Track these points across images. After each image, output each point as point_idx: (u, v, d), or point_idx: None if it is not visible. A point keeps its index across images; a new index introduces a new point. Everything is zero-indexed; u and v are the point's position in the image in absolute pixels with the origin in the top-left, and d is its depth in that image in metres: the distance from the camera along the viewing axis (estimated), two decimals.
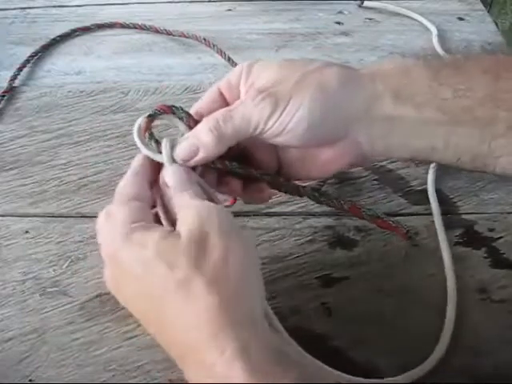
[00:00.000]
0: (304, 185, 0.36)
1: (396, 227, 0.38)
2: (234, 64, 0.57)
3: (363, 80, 0.32)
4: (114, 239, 0.29)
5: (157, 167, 0.33)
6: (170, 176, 0.32)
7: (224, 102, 0.35)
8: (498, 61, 0.31)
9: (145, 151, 0.33)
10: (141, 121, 0.33)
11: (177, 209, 0.30)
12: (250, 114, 0.31)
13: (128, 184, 0.32)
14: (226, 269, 0.27)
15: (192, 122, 0.34)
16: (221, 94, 0.35)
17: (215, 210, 0.29)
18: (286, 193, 0.36)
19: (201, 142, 0.32)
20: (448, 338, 0.35)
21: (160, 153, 0.33)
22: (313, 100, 0.31)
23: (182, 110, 0.34)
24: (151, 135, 0.33)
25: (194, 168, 0.33)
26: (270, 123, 0.31)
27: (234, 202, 0.42)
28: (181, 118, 0.34)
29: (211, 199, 0.32)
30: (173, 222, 0.30)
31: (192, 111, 0.35)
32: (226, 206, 0.42)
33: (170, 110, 0.34)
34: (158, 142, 0.33)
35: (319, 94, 0.31)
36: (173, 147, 0.33)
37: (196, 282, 0.26)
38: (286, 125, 0.31)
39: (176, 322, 0.27)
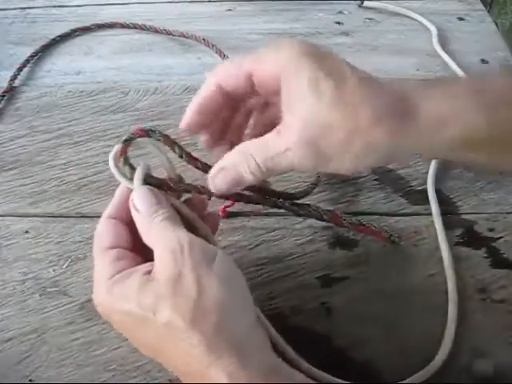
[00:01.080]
0: (281, 200, 0.37)
1: (379, 232, 0.38)
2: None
3: (418, 136, 0.30)
4: (98, 296, 0.30)
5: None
6: (138, 200, 0.31)
7: (253, 89, 0.32)
8: None
9: (118, 177, 0.32)
10: (117, 146, 0.32)
11: (150, 239, 0.30)
12: (295, 165, 0.30)
13: (103, 231, 0.32)
14: (203, 304, 0.27)
15: (169, 142, 0.33)
16: (250, 75, 0.32)
17: (186, 242, 0.28)
18: (264, 205, 0.37)
19: (241, 177, 0.31)
20: (451, 339, 0.35)
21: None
22: (357, 161, 0.30)
23: (158, 133, 0.33)
24: (126, 160, 0.32)
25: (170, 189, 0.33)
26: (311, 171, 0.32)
27: (235, 203, 0.42)
28: (157, 141, 0.33)
29: (189, 222, 0.32)
30: (149, 250, 0.30)
31: (215, 86, 0.33)
32: (227, 207, 0.42)
33: (147, 133, 0.33)
34: (132, 168, 0.32)
35: (365, 156, 0.30)
36: (146, 172, 0.32)
37: (177, 324, 0.26)
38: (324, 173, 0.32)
39: (171, 359, 0.28)
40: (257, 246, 0.41)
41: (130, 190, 0.32)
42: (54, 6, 0.68)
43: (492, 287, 0.39)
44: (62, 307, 0.38)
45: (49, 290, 0.39)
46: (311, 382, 0.28)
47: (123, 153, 0.32)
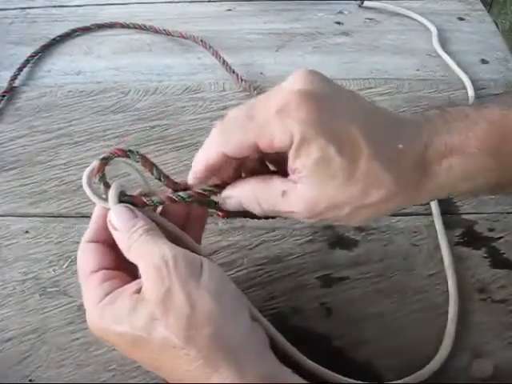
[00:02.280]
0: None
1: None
2: (227, 67, 0.56)
3: (432, 195, 0.30)
4: (91, 322, 0.29)
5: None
6: (115, 218, 0.30)
7: (256, 151, 0.30)
8: None
9: (90, 196, 0.32)
10: (93, 164, 0.32)
11: (132, 255, 0.30)
12: (298, 219, 0.30)
13: (85, 256, 0.31)
14: (196, 319, 0.26)
15: (148, 164, 0.32)
16: (256, 144, 0.29)
17: (170, 257, 0.28)
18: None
19: (245, 208, 0.32)
20: (451, 339, 0.36)
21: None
22: (361, 221, 0.31)
23: (137, 153, 0.32)
24: (102, 178, 0.32)
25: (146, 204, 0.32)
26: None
27: None
28: (136, 162, 0.32)
29: (171, 233, 0.31)
30: (136, 267, 0.30)
31: (216, 147, 0.30)
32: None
33: (125, 153, 0.32)
34: (107, 186, 0.31)
35: (370, 218, 0.30)
36: (121, 190, 0.31)
37: (173, 342, 0.26)
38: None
39: (170, 374, 0.28)
40: (257, 246, 0.41)
41: (107, 211, 0.31)
42: (54, 6, 0.68)
43: (492, 287, 0.39)
44: (62, 307, 0.38)
45: (49, 290, 0.39)
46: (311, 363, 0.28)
47: (99, 171, 0.32)
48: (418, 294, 0.38)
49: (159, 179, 0.32)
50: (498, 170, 0.29)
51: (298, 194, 0.29)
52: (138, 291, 0.28)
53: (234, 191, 0.32)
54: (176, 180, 0.33)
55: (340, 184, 0.28)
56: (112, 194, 0.31)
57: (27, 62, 0.58)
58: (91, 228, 0.32)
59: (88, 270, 0.30)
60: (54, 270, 0.40)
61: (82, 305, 0.37)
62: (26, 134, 0.50)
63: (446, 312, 0.37)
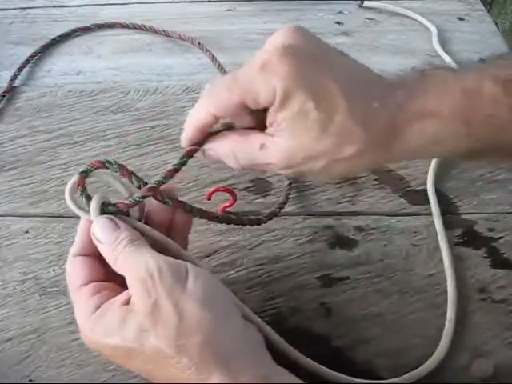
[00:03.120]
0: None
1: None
2: (223, 70, 0.56)
3: (404, 155, 0.31)
4: (84, 336, 0.29)
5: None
6: (98, 230, 0.31)
7: (243, 109, 0.31)
8: None
9: (74, 209, 0.32)
10: (74, 178, 0.32)
11: (118, 267, 0.30)
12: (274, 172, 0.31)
13: (73, 270, 0.31)
14: (186, 328, 0.26)
15: (126, 174, 0.32)
16: (242, 102, 0.30)
17: (155, 269, 0.28)
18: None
19: (222, 162, 0.32)
20: (449, 338, 0.35)
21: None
22: (334, 179, 0.32)
23: (115, 163, 0.32)
24: (83, 191, 0.32)
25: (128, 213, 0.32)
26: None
27: (234, 203, 0.42)
28: (115, 172, 0.33)
29: (156, 241, 0.31)
30: (123, 278, 0.30)
31: (204, 109, 0.31)
32: (226, 207, 0.42)
33: (103, 165, 0.32)
34: (89, 199, 0.32)
35: (341, 176, 0.32)
36: (104, 201, 0.32)
37: (164, 352, 0.26)
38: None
39: (164, 382, 0.28)
40: (257, 246, 0.41)
41: (91, 223, 0.32)
42: (54, 6, 0.68)
43: (492, 287, 0.39)
44: (62, 307, 0.38)
45: (49, 290, 0.39)
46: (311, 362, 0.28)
47: (80, 184, 0.32)
48: (418, 294, 0.38)
49: (139, 188, 0.32)
50: (468, 137, 0.29)
51: (276, 146, 0.30)
52: (128, 302, 0.28)
53: (213, 144, 0.32)
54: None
55: (316, 137, 0.29)
56: (93, 206, 0.31)
57: (27, 62, 0.58)
58: (77, 242, 0.32)
59: (77, 284, 0.30)
60: (53, 270, 0.40)
61: None
62: (26, 134, 0.50)
63: (446, 312, 0.37)
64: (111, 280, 0.31)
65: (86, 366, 0.35)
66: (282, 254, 0.41)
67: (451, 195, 0.45)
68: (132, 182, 0.32)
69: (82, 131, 0.50)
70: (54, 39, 0.61)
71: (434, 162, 0.47)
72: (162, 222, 0.34)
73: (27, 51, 0.59)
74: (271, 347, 0.30)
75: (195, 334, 0.26)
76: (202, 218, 0.35)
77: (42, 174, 0.47)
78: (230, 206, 0.42)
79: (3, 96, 0.54)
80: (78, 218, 0.43)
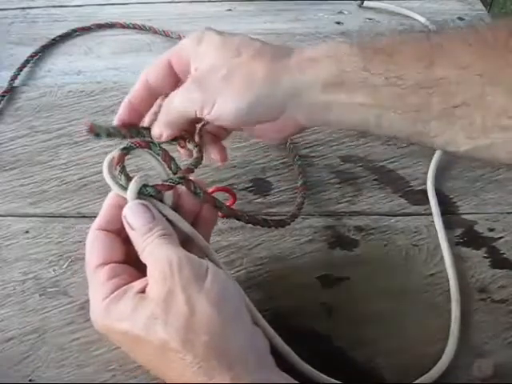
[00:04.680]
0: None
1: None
2: None
3: (292, 71, 0.33)
4: (96, 318, 0.30)
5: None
6: (132, 217, 0.31)
7: (175, 76, 0.36)
8: (432, 46, 0.31)
9: (112, 185, 0.32)
10: (114, 153, 0.32)
11: (144, 256, 0.30)
12: (187, 104, 0.34)
13: (94, 246, 0.31)
14: (194, 324, 0.27)
15: (167, 158, 0.33)
16: (171, 66, 0.36)
17: (175, 262, 0.28)
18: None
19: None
20: (455, 339, 0.35)
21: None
22: (238, 97, 0.33)
23: (159, 146, 0.33)
24: (123, 169, 0.32)
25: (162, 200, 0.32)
26: (205, 113, 0.33)
27: (234, 202, 0.42)
28: (157, 155, 0.33)
29: (184, 233, 0.31)
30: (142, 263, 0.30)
31: (142, 82, 0.36)
32: (226, 207, 0.42)
33: (148, 145, 0.33)
34: (128, 179, 0.32)
35: (244, 90, 0.33)
36: (144, 184, 0.31)
37: (170, 345, 0.26)
38: (217, 116, 0.33)
39: (169, 377, 0.28)
40: (257, 246, 0.41)
41: (122, 199, 0.31)
42: (54, 6, 0.68)
43: (492, 287, 0.39)
44: (62, 307, 0.38)
45: (49, 290, 0.39)
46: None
47: (120, 161, 0.32)
48: (418, 294, 0.38)
49: (175, 174, 0.33)
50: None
51: (198, 58, 0.35)
52: (143, 290, 0.28)
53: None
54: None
55: (216, 48, 0.34)
56: (132, 188, 0.31)
57: (27, 62, 0.58)
58: (102, 215, 0.32)
59: (96, 263, 0.30)
60: (53, 270, 0.40)
61: (82, 305, 0.38)
62: (26, 134, 0.50)
63: (446, 312, 0.37)
64: (130, 261, 0.31)
65: (85, 366, 0.35)
66: (282, 254, 0.41)
67: (451, 195, 0.45)
68: (170, 168, 0.33)
69: (81, 131, 0.50)
70: (54, 39, 0.61)
71: (434, 162, 0.47)
72: (189, 215, 0.34)
73: (27, 51, 0.59)
74: (274, 351, 0.30)
75: (203, 332, 0.26)
76: (229, 216, 0.35)
77: (41, 173, 0.47)
78: (229, 205, 0.42)
79: (3, 96, 0.54)
80: (78, 217, 0.43)
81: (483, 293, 0.39)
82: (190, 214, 0.34)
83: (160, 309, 0.27)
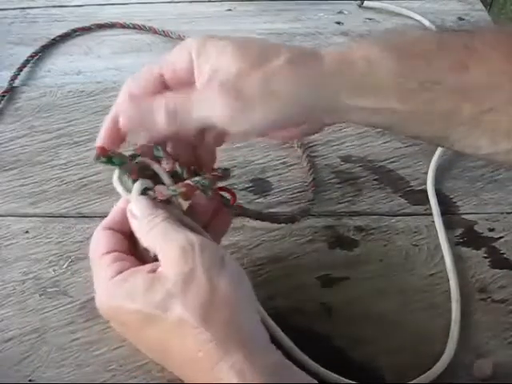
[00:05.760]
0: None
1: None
2: None
3: (325, 79, 0.31)
4: (101, 300, 0.30)
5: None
6: (136, 207, 0.31)
7: (163, 86, 0.33)
8: (468, 50, 0.30)
9: (118, 187, 0.33)
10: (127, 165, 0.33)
11: (150, 240, 0.30)
12: (212, 111, 0.30)
13: (99, 239, 0.32)
14: (215, 302, 0.27)
15: (170, 161, 0.34)
16: (161, 76, 0.33)
17: (197, 244, 0.29)
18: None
19: (154, 120, 0.31)
20: (455, 338, 0.35)
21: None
22: (283, 107, 0.30)
23: (161, 149, 0.34)
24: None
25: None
26: (232, 122, 0.30)
27: (234, 202, 0.42)
28: (160, 158, 0.34)
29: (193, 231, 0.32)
30: (147, 258, 0.31)
31: (125, 93, 0.33)
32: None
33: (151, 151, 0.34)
34: (134, 181, 0.33)
35: (289, 100, 0.30)
36: (146, 187, 0.32)
37: (188, 321, 0.27)
38: (249, 126, 0.30)
39: (178, 357, 0.29)
40: (257, 246, 0.41)
41: (128, 204, 0.32)
42: (54, 6, 0.68)
43: (492, 287, 0.39)
44: (62, 307, 0.38)
45: (49, 290, 0.39)
46: (315, 382, 0.28)
47: (134, 172, 0.33)
48: (418, 294, 0.38)
49: (185, 179, 0.33)
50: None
51: (203, 79, 0.31)
52: (154, 271, 0.29)
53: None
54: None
55: (239, 47, 0.31)
56: (136, 187, 0.32)
57: (27, 61, 0.58)
58: (109, 217, 0.33)
59: (100, 252, 0.31)
60: (53, 270, 0.40)
61: (82, 305, 0.38)
62: (26, 134, 0.50)
63: (446, 312, 0.37)
64: (133, 256, 0.32)
65: (85, 366, 0.35)
66: (282, 254, 0.41)
67: (451, 195, 0.45)
68: (177, 171, 0.33)
69: (81, 131, 0.50)
70: (54, 39, 0.61)
71: (434, 161, 0.47)
72: (202, 216, 0.34)
73: (27, 51, 0.59)
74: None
75: (223, 309, 0.27)
76: (238, 214, 0.36)
77: (41, 173, 0.47)
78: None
79: (3, 96, 0.54)
80: (78, 217, 0.43)
81: (483, 293, 0.39)
82: (203, 218, 0.34)
83: (180, 287, 0.27)
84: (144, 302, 0.28)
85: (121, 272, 0.29)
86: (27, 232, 0.42)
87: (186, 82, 0.32)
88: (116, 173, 0.33)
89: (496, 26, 0.37)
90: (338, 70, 0.30)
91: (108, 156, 0.32)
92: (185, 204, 0.34)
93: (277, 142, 0.48)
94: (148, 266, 0.30)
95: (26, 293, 0.39)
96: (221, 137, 0.36)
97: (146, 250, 0.32)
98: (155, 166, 0.34)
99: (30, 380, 0.34)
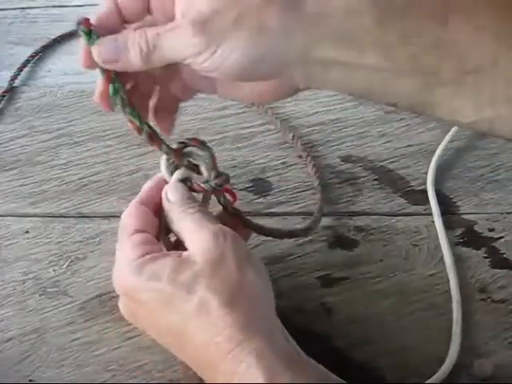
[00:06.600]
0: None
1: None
2: None
3: (305, 22, 0.28)
4: (125, 276, 0.30)
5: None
6: (173, 192, 0.33)
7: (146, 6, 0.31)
8: (448, 1, 0.28)
9: (163, 168, 0.35)
10: (175, 146, 0.35)
11: (182, 225, 0.32)
12: (180, 47, 0.29)
13: (134, 214, 0.33)
14: (241, 288, 0.29)
15: (214, 163, 0.35)
16: None
17: (229, 234, 0.30)
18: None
19: (126, 53, 0.30)
20: (458, 340, 0.35)
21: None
22: (249, 44, 0.28)
23: (209, 148, 0.35)
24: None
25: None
26: (200, 60, 0.29)
27: (235, 201, 0.42)
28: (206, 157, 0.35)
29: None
30: (176, 243, 0.32)
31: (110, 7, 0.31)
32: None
33: (200, 143, 0.35)
34: (177, 168, 0.35)
35: (256, 37, 0.28)
36: (188, 177, 0.34)
37: (213, 304, 0.28)
38: (217, 65, 0.29)
39: (195, 340, 0.29)
40: (257, 246, 0.41)
41: (163, 183, 0.34)
42: (54, 6, 0.67)
43: (492, 287, 0.39)
44: (62, 307, 0.38)
45: (49, 290, 0.39)
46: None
47: (179, 154, 0.34)
48: (418, 294, 0.38)
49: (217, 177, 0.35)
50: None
51: (179, 13, 0.29)
52: (181, 256, 0.30)
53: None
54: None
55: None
56: (178, 173, 0.34)
57: (27, 62, 0.58)
58: (145, 192, 0.34)
59: (133, 228, 0.32)
60: (53, 270, 0.40)
61: (82, 305, 0.38)
62: (26, 134, 0.50)
63: (447, 312, 0.37)
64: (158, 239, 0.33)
65: (85, 366, 0.35)
66: (282, 254, 0.41)
67: (451, 195, 0.45)
68: (216, 170, 0.35)
69: (81, 131, 0.50)
70: (54, 39, 0.61)
71: (434, 161, 0.47)
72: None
73: (27, 51, 0.59)
74: None
75: (248, 297, 0.29)
76: (254, 230, 0.37)
77: (41, 173, 0.47)
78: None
79: (3, 96, 0.53)
80: (78, 217, 0.43)
81: (483, 293, 0.39)
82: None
83: (208, 270, 0.28)
84: (169, 281, 0.28)
85: (147, 254, 0.30)
86: (27, 232, 0.42)
87: (169, 11, 0.30)
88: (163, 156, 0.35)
89: None
90: (320, 18, 0.28)
91: (89, 29, 0.31)
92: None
93: (248, 103, 0.48)
94: (175, 252, 0.31)
95: (26, 293, 0.39)
96: (188, 88, 0.35)
97: (167, 238, 0.34)
98: (201, 161, 0.35)
99: (30, 380, 0.34)
